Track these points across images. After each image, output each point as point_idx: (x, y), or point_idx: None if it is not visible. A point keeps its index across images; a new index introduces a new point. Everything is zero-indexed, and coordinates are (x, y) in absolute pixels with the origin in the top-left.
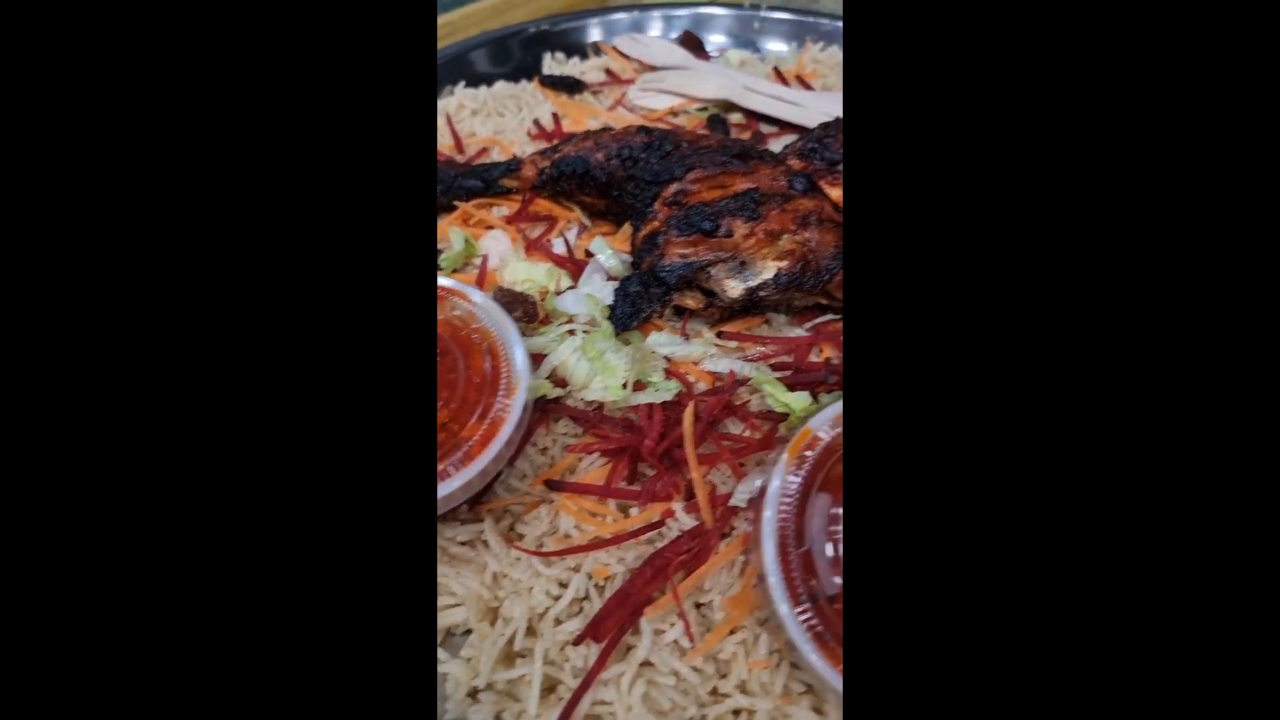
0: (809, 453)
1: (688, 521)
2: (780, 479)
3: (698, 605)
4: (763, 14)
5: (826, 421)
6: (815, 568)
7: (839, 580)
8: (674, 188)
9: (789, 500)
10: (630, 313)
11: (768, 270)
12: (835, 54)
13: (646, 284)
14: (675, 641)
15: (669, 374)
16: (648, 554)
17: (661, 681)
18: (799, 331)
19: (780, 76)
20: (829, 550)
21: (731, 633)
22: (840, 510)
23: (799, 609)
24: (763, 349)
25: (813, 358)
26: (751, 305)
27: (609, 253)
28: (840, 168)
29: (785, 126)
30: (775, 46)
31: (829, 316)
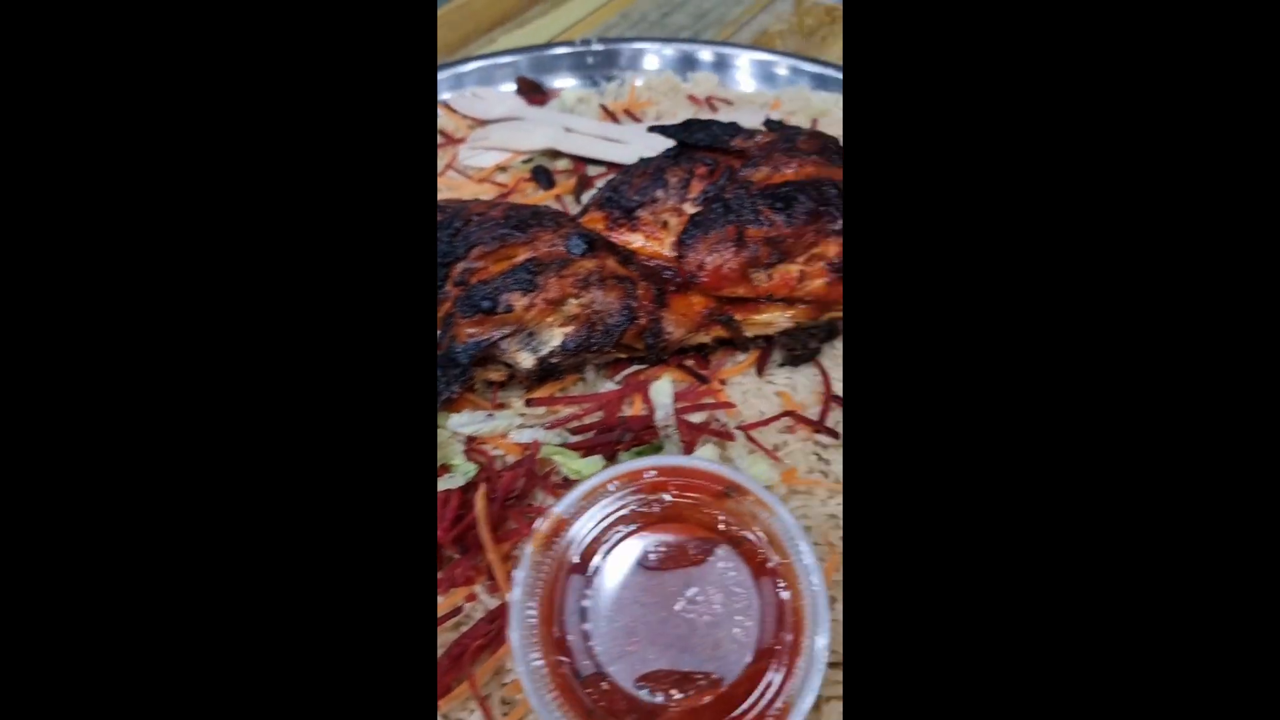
0: (559, 535)
1: (491, 602)
2: (525, 568)
3: (502, 686)
4: (594, 47)
5: (572, 501)
6: (570, 650)
7: (593, 662)
8: (460, 267)
9: (536, 589)
10: None
11: (555, 338)
12: (668, 79)
13: (444, 368)
14: None
15: (469, 454)
16: (450, 642)
17: None
18: (610, 384)
19: (608, 113)
20: (581, 633)
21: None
22: (589, 592)
23: (551, 693)
24: (573, 409)
25: (625, 410)
26: (550, 372)
27: None
28: (637, 214)
29: (611, 165)
30: (579, 84)
31: (636, 367)
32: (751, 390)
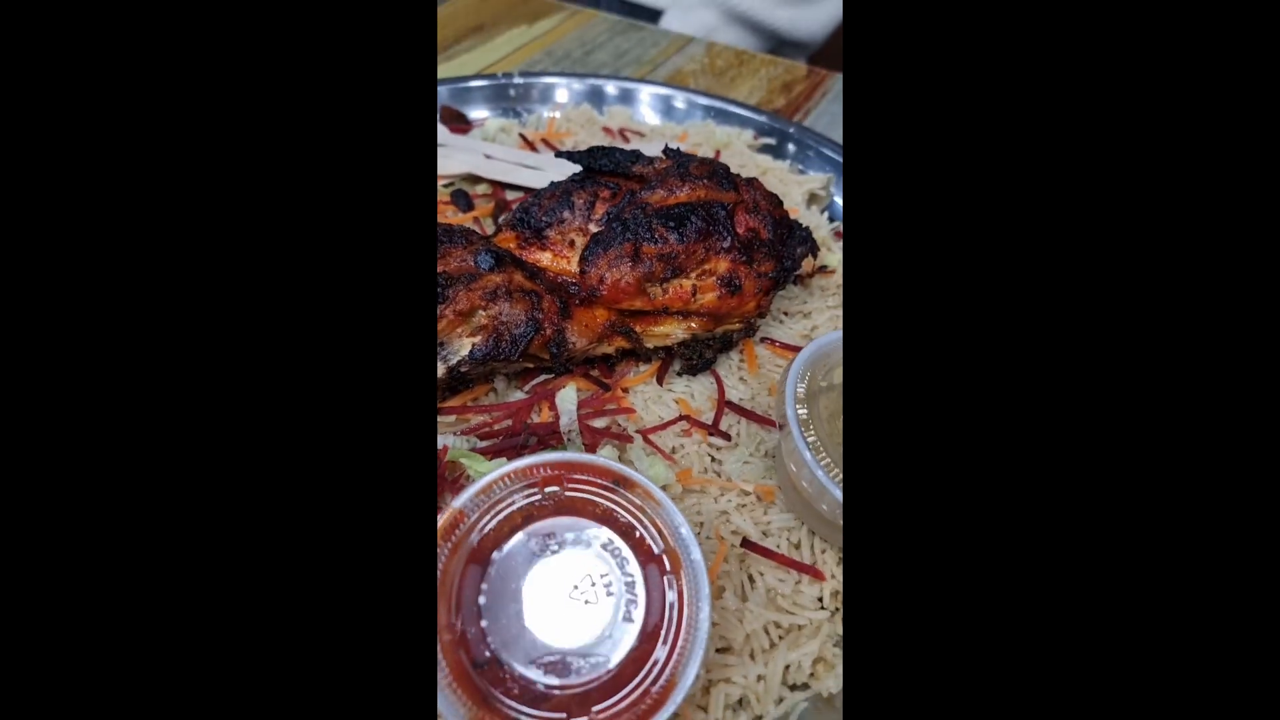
0: (457, 528)
1: None
2: None
3: None
4: (515, 80)
5: (469, 496)
6: (467, 637)
7: (487, 648)
8: None
9: (439, 580)
10: None
11: (464, 347)
12: (586, 111)
13: None
14: None
15: None
16: None
17: None
18: (520, 394)
19: (527, 142)
20: (478, 620)
21: None
22: (485, 582)
23: (450, 679)
24: (485, 418)
25: (534, 418)
26: (460, 380)
27: None
28: (546, 233)
29: (527, 190)
30: (533, 112)
31: (545, 376)
32: (652, 398)
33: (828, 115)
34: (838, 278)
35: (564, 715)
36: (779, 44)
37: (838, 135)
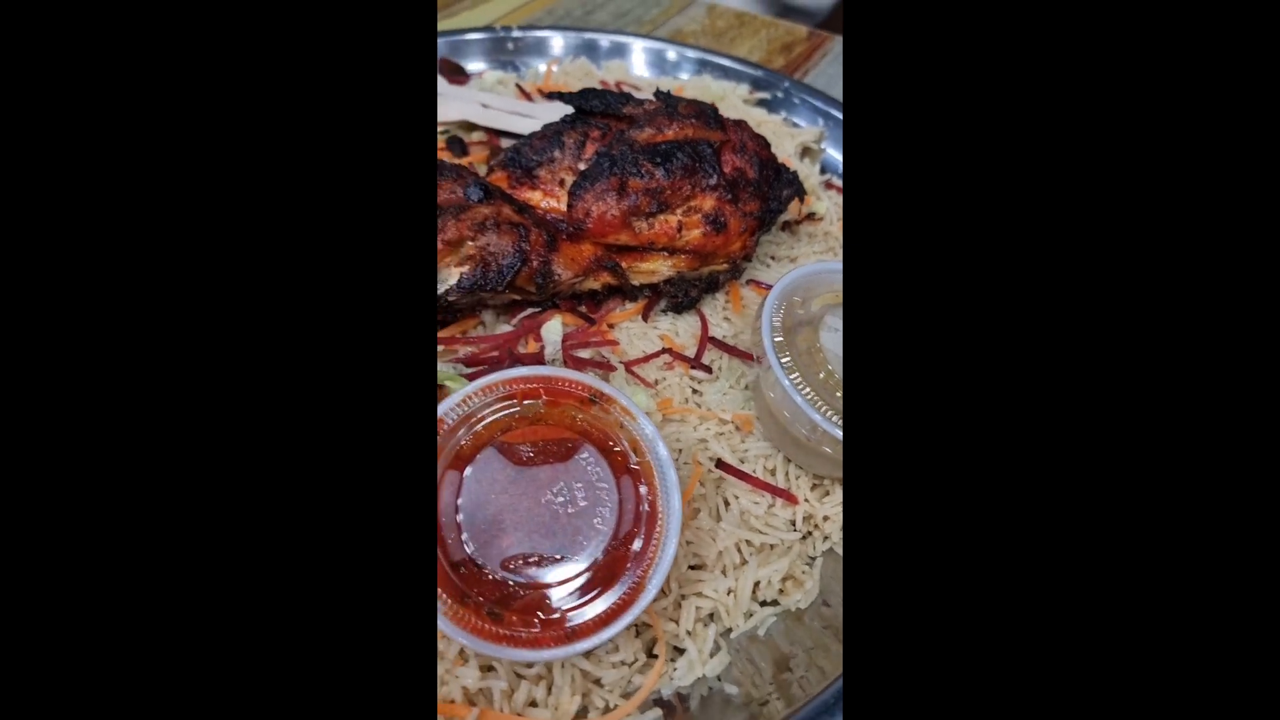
0: (437, 437)
1: None
2: None
3: None
4: (514, 34)
5: (450, 405)
6: (444, 539)
7: (463, 549)
8: None
9: None
10: None
11: (451, 276)
12: (583, 64)
13: None
14: None
15: None
16: None
17: None
18: (506, 327)
19: (523, 92)
20: (455, 523)
21: None
22: (464, 485)
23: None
24: (473, 349)
25: (520, 348)
26: (448, 310)
27: None
28: (536, 172)
29: (519, 138)
30: (535, 64)
31: (531, 310)
32: (637, 334)
33: (825, 76)
34: (825, 225)
35: (534, 614)
36: (784, 10)
37: (836, 94)
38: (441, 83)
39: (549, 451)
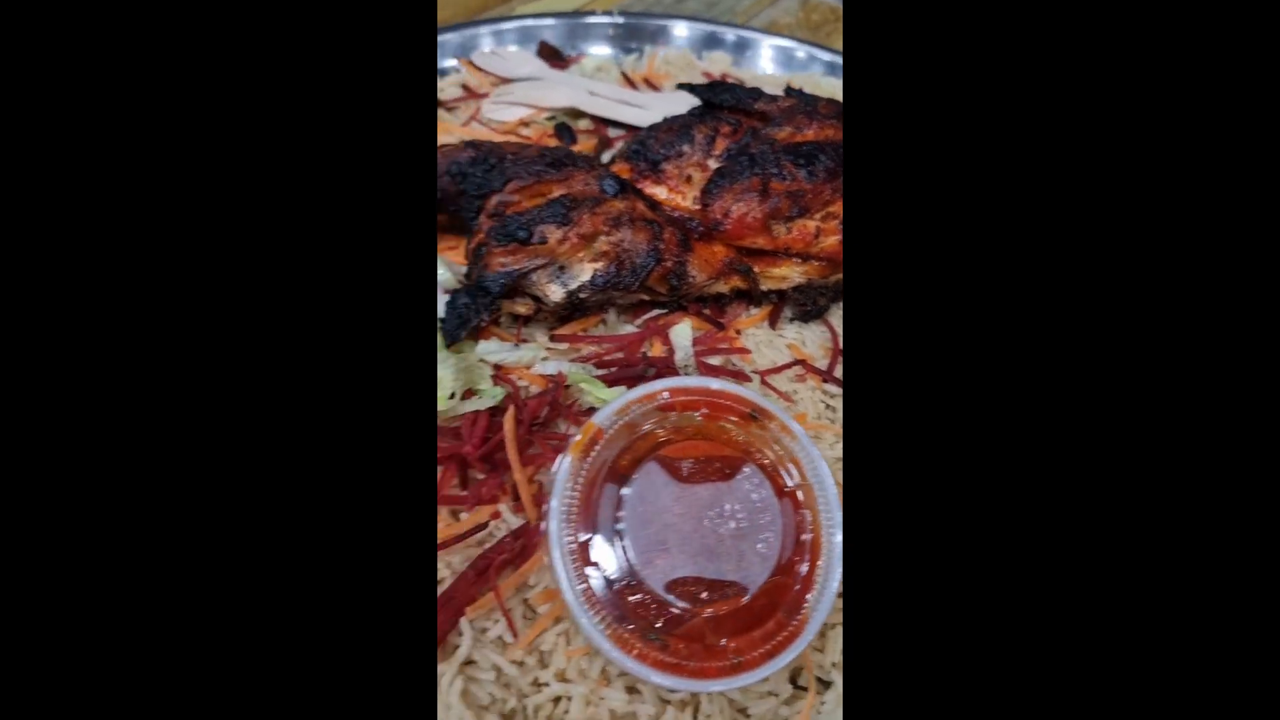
0: (595, 445)
1: (515, 521)
2: (563, 474)
3: (524, 601)
4: (597, 19)
5: (609, 414)
6: (602, 556)
7: (625, 568)
8: (495, 199)
9: (573, 493)
10: (459, 324)
11: (585, 272)
12: (685, 55)
13: (474, 295)
14: (499, 637)
15: (496, 380)
16: (475, 557)
17: (482, 678)
18: (630, 328)
19: (628, 80)
20: (615, 540)
21: (556, 622)
22: (624, 500)
23: (585, 597)
24: (595, 348)
25: (643, 353)
26: (577, 308)
27: (443, 266)
28: (662, 167)
29: (630, 128)
30: (613, 52)
31: (657, 311)
32: (764, 341)
33: None
34: None
35: (698, 642)
36: None
37: None
38: (542, 67)
39: (710, 469)
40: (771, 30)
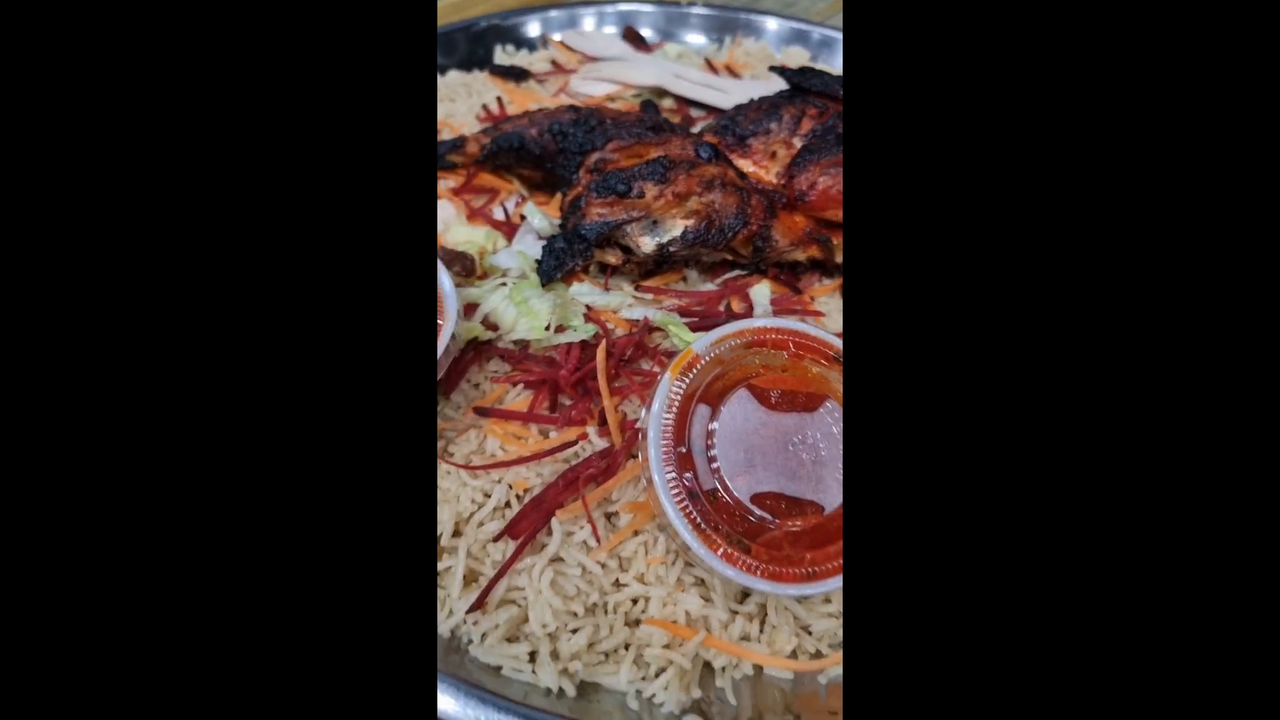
0: (692, 369)
1: (599, 444)
2: (664, 389)
3: (606, 515)
4: (695, 10)
5: (707, 343)
6: (694, 466)
7: (714, 479)
8: (595, 156)
9: (671, 409)
10: (555, 266)
11: (676, 228)
12: (764, 48)
13: (570, 241)
14: (584, 541)
15: (588, 318)
16: (563, 470)
17: (569, 572)
18: (710, 286)
19: (710, 67)
20: (706, 453)
21: (635, 534)
22: (716, 419)
23: (677, 499)
24: (677, 301)
25: (721, 308)
26: (664, 260)
27: (539, 216)
28: (749, 142)
29: (712, 110)
30: (706, 41)
31: (737, 272)
32: (835, 309)
33: None
34: None
35: (777, 550)
36: None
37: None
38: (628, 49)
39: (795, 401)
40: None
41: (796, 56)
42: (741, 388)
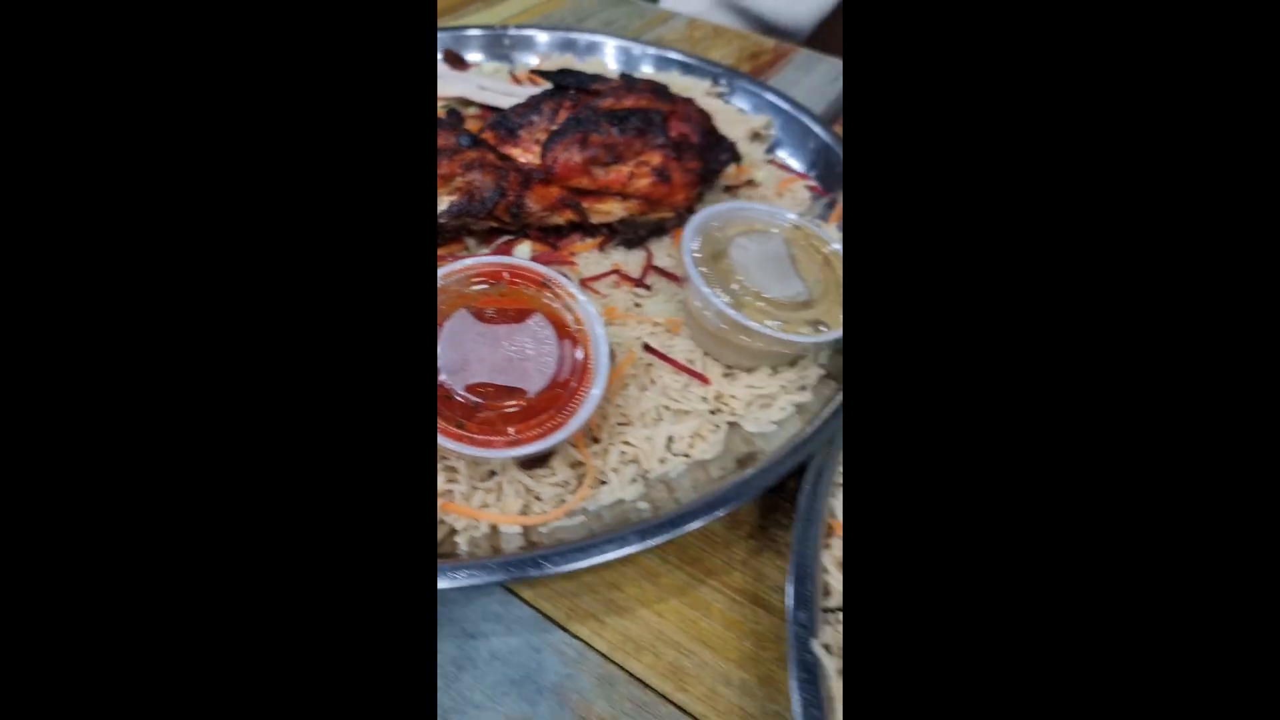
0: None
1: None
2: None
3: None
4: (510, 32)
5: (440, 276)
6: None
7: (441, 377)
8: None
9: None
10: None
11: (442, 204)
12: (570, 59)
13: None
14: None
15: None
16: None
17: None
18: (485, 250)
19: (515, 78)
20: (437, 356)
21: None
22: (444, 333)
23: None
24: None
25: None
26: (441, 231)
27: None
28: (518, 133)
29: None
30: (527, 57)
31: (507, 237)
32: (593, 261)
33: (785, 80)
34: (762, 190)
35: (490, 426)
36: (766, 30)
37: (793, 94)
38: (446, 69)
39: (508, 315)
40: (654, 42)
41: (595, 65)
42: (462, 309)
